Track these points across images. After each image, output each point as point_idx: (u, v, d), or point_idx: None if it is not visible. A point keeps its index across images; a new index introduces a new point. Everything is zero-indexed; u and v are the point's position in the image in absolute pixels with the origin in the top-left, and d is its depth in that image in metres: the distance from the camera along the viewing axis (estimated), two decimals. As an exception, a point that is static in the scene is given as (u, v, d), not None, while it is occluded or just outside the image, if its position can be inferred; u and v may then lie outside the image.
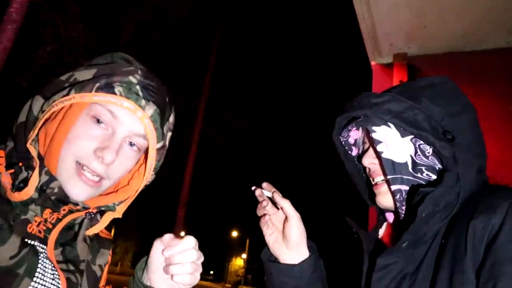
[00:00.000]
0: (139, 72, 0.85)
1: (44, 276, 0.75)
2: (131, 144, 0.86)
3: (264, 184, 1.05)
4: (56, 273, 0.79)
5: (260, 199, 1.04)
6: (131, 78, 0.82)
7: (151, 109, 0.82)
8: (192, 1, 13.91)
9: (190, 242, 0.83)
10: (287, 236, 1.01)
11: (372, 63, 2.66)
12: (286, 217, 1.01)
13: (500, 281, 0.67)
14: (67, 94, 0.79)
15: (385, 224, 1.06)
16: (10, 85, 9.06)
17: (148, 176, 0.89)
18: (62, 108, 0.84)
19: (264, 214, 1.05)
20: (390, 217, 1.02)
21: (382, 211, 1.04)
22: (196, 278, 0.84)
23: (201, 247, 0.86)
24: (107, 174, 0.84)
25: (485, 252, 0.72)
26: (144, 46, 13.33)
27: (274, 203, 1.04)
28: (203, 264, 0.85)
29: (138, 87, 0.82)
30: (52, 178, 0.80)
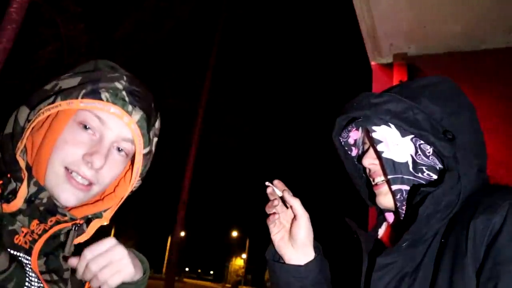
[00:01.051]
0: (125, 78, 0.86)
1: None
2: (119, 149, 0.87)
3: (276, 181, 1.03)
4: (42, 285, 0.78)
5: (271, 197, 1.03)
6: (117, 84, 0.83)
7: (137, 114, 0.83)
8: (192, 1, 13.91)
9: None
10: (294, 235, 1.00)
11: (372, 63, 2.66)
12: (294, 216, 1.00)
13: (501, 281, 0.67)
14: (53, 102, 0.79)
15: (384, 224, 1.06)
16: (10, 85, 9.07)
17: (134, 181, 0.90)
18: (48, 116, 0.84)
19: (274, 213, 1.03)
20: (390, 217, 1.02)
21: (382, 211, 1.04)
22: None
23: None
24: (96, 179, 0.84)
25: (485, 252, 0.72)
26: (144, 46, 13.34)
27: (283, 201, 1.03)
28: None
29: (124, 92, 0.82)
30: (41, 189, 0.80)
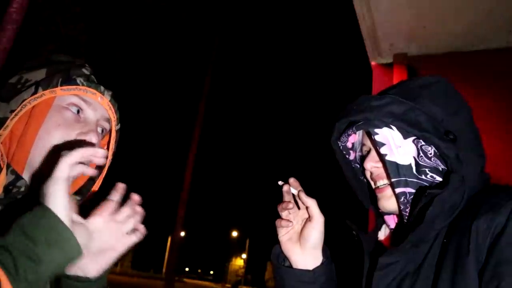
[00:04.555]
0: (86, 65, 0.94)
1: None
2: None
3: (291, 180, 1.01)
4: None
5: (286, 196, 1.01)
6: (84, 71, 0.91)
7: (108, 94, 0.92)
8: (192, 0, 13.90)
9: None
10: (306, 237, 0.97)
11: (372, 63, 2.66)
12: (308, 218, 0.99)
13: (504, 281, 0.67)
14: (36, 92, 0.84)
15: (384, 226, 1.04)
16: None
17: (110, 158, 0.96)
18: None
19: (288, 220, 1.00)
20: (389, 219, 1.00)
21: (380, 214, 1.03)
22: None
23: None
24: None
25: (488, 252, 0.71)
26: (144, 45, 13.33)
27: (294, 201, 1.01)
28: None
29: (93, 77, 0.92)
30: (19, 177, 0.82)
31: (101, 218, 0.77)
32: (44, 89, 0.85)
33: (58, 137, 0.85)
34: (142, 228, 0.84)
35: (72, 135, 0.86)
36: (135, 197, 0.83)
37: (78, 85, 0.87)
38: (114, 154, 0.99)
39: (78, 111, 0.89)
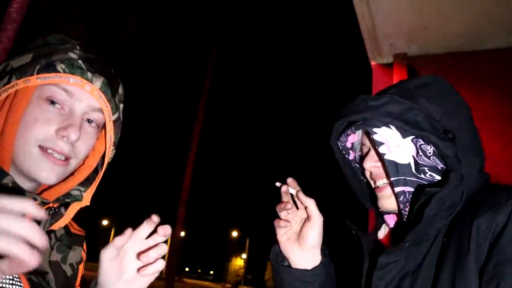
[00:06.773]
0: (78, 47, 0.83)
1: (1, 281, 0.72)
2: (89, 121, 0.85)
3: (289, 180, 1.02)
4: (17, 276, 0.75)
5: (284, 196, 1.01)
6: (71, 54, 0.80)
7: (98, 81, 0.81)
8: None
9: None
10: (305, 236, 0.98)
11: (372, 63, 2.66)
12: (307, 217, 0.99)
13: (504, 280, 0.67)
14: (9, 82, 0.76)
15: (383, 225, 1.05)
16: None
17: (109, 151, 0.89)
18: (6, 98, 0.80)
19: (287, 220, 1.01)
20: (389, 219, 1.01)
21: (380, 213, 1.03)
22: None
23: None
24: (74, 153, 0.82)
25: (488, 251, 0.71)
26: (144, 46, 13.34)
27: (293, 201, 1.01)
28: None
29: (80, 61, 0.80)
30: (4, 174, 0.77)
31: (132, 243, 0.78)
32: (17, 78, 0.76)
33: (36, 134, 0.78)
34: (162, 262, 0.81)
35: (50, 132, 0.78)
36: (161, 231, 0.81)
37: (58, 72, 0.77)
38: (117, 146, 0.92)
39: (55, 103, 0.79)
